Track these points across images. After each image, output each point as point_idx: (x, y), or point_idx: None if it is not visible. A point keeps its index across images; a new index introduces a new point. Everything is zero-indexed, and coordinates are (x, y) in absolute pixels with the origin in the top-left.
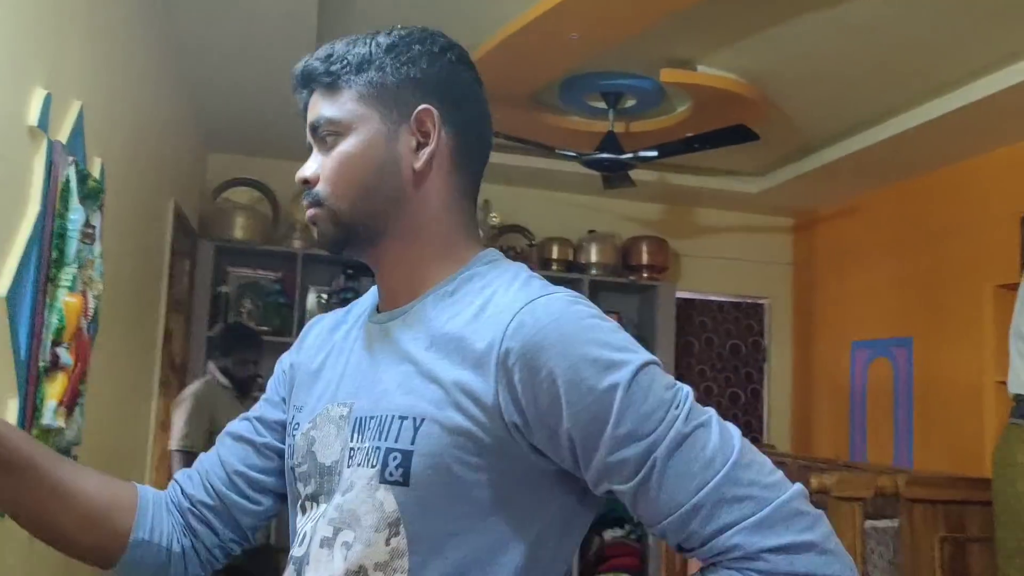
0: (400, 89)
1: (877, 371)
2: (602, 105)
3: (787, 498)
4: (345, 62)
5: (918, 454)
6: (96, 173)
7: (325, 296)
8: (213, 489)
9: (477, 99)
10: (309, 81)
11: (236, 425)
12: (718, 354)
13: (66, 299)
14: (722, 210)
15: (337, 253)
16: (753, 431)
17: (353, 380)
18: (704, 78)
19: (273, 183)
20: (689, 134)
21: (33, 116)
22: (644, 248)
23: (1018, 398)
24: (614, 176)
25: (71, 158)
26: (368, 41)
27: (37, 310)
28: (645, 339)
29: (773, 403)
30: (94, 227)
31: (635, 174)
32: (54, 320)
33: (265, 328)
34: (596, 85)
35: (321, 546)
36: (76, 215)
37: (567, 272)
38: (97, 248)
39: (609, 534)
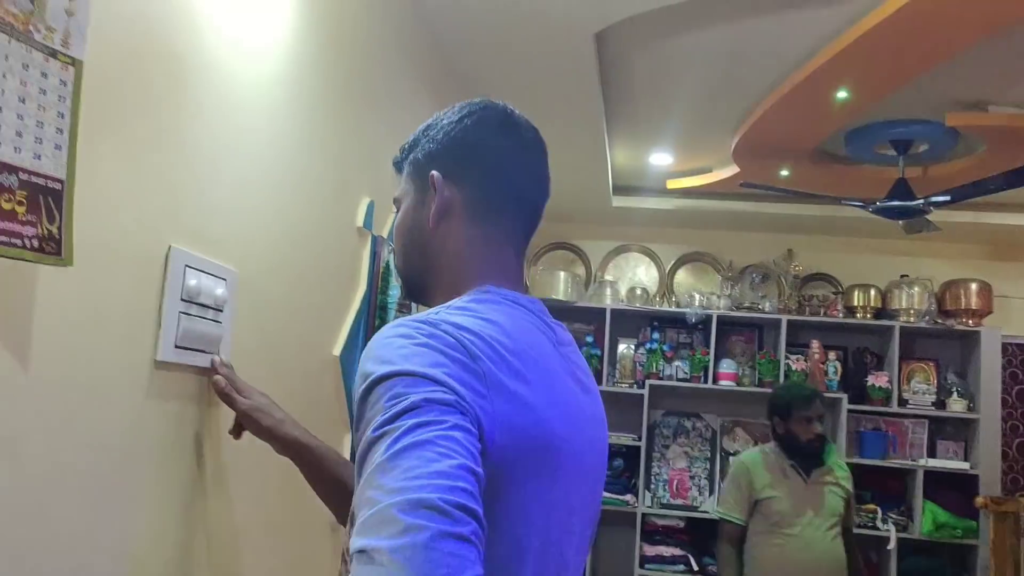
0: (425, 161)
1: None
2: (892, 152)
3: (392, 503)
4: (404, 149)
5: None
6: None
7: (633, 346)
8: None
9: (489, 152)
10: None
11: None
12: None
13: None
14: None
15: (417, 303)
16: None
17: None
18: (995, 118)
19: (584, 246)
20: (994, 174)
21: (360, 219)
22: (962, 292)
23: None
24: (912, 221)
25: (391, 247)
26: (421, 126)
27: None
28: (968, 387)
29: None
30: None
31: (949, 215)
32: None
33: None
34: (883, 134)
35: None
36: (394, 291)
37: (875, 319)
38: None
39: None
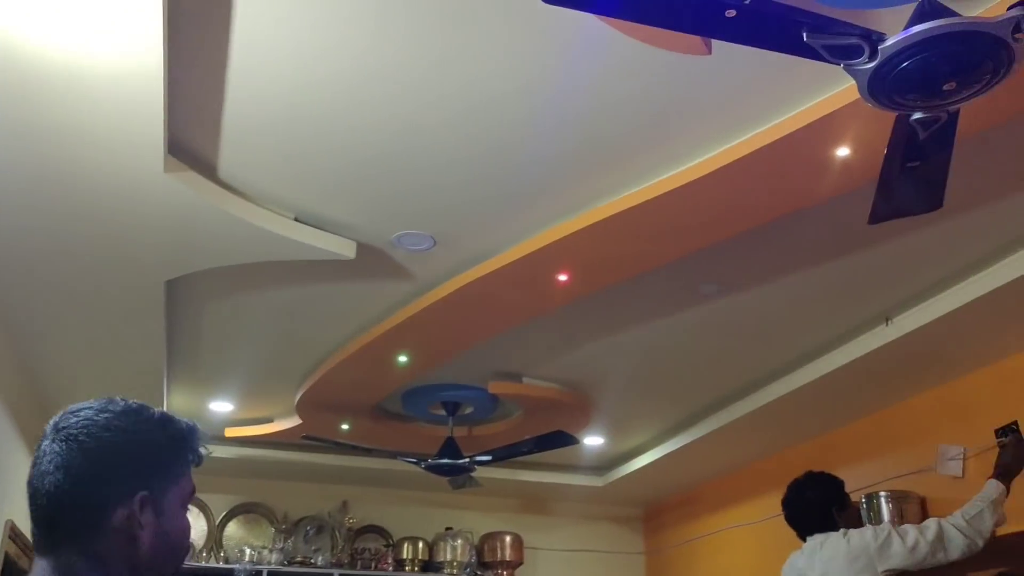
0: None
1: None
2: (443, 413)
3: None
4: None
5: None
6: None
7: None
8: None
9: None
10: None
11: None
12: None
13: None
14: (573, 503)
15: None
16: None
17: None
18: (528, 388)
19: None
20: (526, 438)
21: None
22: (499, 544)
23: None
24: (458, 478)
25: None
26: None
27: None
28: None
29: None
30: None
31: (489, 472)
32: None
33: None
34: (435, 395)
35: None
36: None
37: (423, 572)
38: None
39: None
